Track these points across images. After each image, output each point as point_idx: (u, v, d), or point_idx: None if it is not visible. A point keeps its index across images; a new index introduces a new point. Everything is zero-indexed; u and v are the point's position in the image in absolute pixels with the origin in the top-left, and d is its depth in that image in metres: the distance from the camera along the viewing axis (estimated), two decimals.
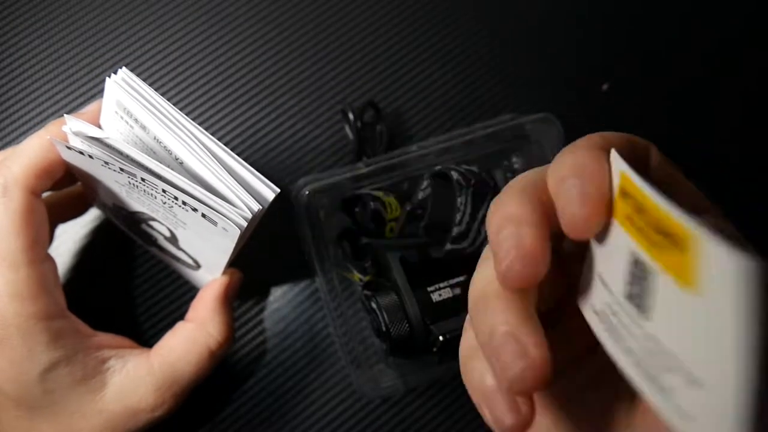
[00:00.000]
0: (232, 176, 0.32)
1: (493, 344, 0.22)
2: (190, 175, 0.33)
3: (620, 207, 0.21)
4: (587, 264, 0.24)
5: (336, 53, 0.50)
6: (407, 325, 0.39)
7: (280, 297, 0.46)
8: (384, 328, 0.40)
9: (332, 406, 0.44)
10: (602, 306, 0.22)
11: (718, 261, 0.16)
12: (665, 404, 0.19)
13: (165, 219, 0.36)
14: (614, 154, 0.22)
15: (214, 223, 0.32)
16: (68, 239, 0.45)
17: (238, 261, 0.40)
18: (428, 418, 0.45)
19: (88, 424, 0.36)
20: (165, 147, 0.33)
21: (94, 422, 0.36)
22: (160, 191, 0.32)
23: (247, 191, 0.32)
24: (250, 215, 0.32)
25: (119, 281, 0.46)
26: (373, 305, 0.40)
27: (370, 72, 0.50)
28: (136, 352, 0.38)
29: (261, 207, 0.32)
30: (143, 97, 0.33)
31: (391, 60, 0.51)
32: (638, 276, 0.20)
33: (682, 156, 0.49)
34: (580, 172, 0.22)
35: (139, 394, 0.36)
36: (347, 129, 0.48)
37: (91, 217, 0.46)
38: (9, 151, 0.36)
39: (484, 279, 0.25)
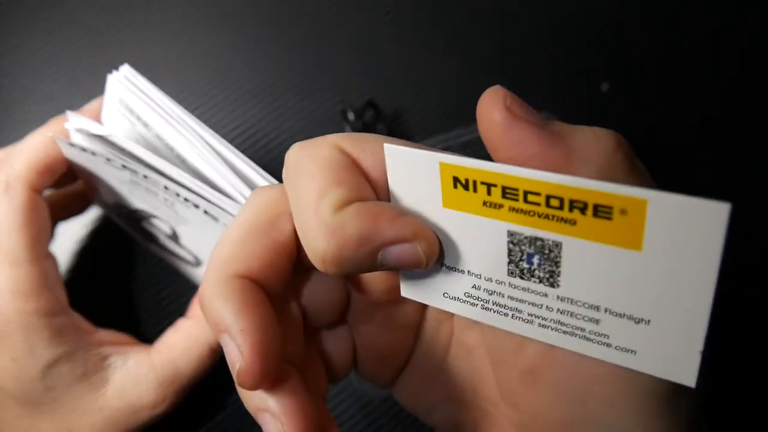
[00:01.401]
0: (233, 172, 0.32)
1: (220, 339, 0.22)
2: (192, 172, 0.33)
3: (464, 197, 0.21)
4: None
5: (336, 53, 0.50)
6: None
7: None
8: None
9: (332, 406, 0.44)
10: (468, 290, 0.23)
11: (671, 215, 0.17)
12: (596, 349, 0.21)
13: (166, 216, 0.36)
14: (394, 151, 0.21)
15: (216, 219, 0.32)
16: (69, 238, 0.45)
17: None
18: None
19: (89, 421, 0.36)
20: (167, 144, 0.33)
21: (95, 419, 0.36)
22: (162, 188, 0.32)
23: (248, 187, 0.32)
24: None
25: (120, 279, 0.46)
26: None
27: (370, 72, 0.50)
28: (137, 349, 0.38)
29: None
30: (145, 93, 0.33)
31: (391, 60, 0.51)
32: (527, 252, 0.21)
33: (682, 155, 0.49)
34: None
35: (140, 391, 0.36)
36: (347, 129, 0.48)
37: (92, 216, 0.46)
38: (11, 149, 0.36)
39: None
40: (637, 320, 0.20)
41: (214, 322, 0.22)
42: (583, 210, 0.19)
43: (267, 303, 0.22)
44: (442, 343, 0.28)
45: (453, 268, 0.23)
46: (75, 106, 0.47)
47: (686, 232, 0.17)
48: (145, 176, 0.32)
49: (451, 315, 0.27)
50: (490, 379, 0.26)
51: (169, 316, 0.45)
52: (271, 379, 0.21)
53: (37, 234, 0.35)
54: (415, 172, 0.21)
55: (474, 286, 0.23)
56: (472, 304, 0.23)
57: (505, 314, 0.22)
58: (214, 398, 0.44)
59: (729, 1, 0.53)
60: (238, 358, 0.21)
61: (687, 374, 0.20)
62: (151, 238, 0.41)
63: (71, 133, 0.33)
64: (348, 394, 0.45)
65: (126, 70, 0.33)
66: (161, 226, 0.38)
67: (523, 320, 0.22)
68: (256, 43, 0.50)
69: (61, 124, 0.34)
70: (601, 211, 0.18)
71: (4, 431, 0.36)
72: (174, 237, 0.38)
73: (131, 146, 0.32)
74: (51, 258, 0.36)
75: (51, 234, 0.37)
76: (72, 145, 0.32)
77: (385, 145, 0.21)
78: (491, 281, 0.22)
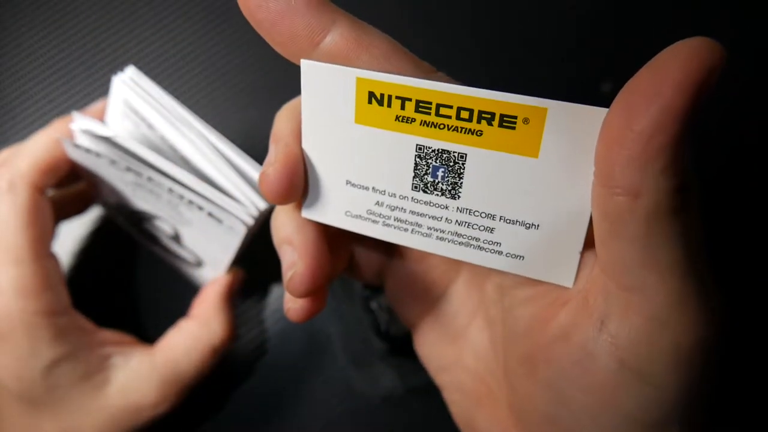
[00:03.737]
0: (238, 174, 0.32)
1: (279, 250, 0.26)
2: (196, 174, 0.33)
3: (377, 112, 0.22)
4: (316, 179, 0.25)
5: None
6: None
7: (280, 297, 0.46)
8: (384, 328, 0.40)
9: (332, 406, 0.44)
10: (371, 207, 0.24)
11: (565, 122, 0.20)
12: (488, 257, 0.23)
13: (169, 217, 0.36)
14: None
15: (220, 222, 0.32)
16: (70, 237, 0.45)
17: (238, 260, 0.40)
18: (428, 418, 0.45)
19: (91, 421, 0.36)
20: (171, 145, 0.33)
21: (96, 418, 0.36)
22: (166, 190, 0.32)
23: (253, 189, 0.32)
24: (257, 213, 0.32)
25: (122, 279, 0.46)
26: (373, 305, 0.40)
27: None
28: (139, 348, 0.38)
29: (268, 205, 0.32)
30: (150, 95, 0.33)
31: None
32: (432, 165, 0.22)
33: None
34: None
35: (142, 391, 0.36)
36: None
37: (94, 216, 0.46)
38: (15, 148, 0.36)
39: None
40: (527, 225, 0.22)
41: (279, 235, 0.26)
42: (490, 120, 0.20)
43: (323, 233, 0.26)
44: (469, 310, 0.29)
45: (357, 185, 0.24)
46: (74, 106, 0.48)
47: (576, 138, 0.20)
48: (150, 178, 0.32)
49: (482, 287, 0.29)
50: (500, 357, 0.27)
51: (171, 316, 0.45)
52: (314, 293, 0.25)
53: (40, 233, 0.35)
54: (330, 88, 0.22)
55: (377, 203, 0.24)
56: (374, 222, 0.24)
57: (405, 229, 0.24)
58: (214, 398, 0.44)
59: (730, 1, 0.53)
60: (293, 266, 0.25)
61: (566, 275, 0.22)
62: (153, 239, 0.41)
63: (76, 134, 0.33)
64: (348, 394, 0.45)
65: (131, 71, 0.33)
66: (163, 227, 0.38)
67: (422, 234, 0.23)
68: (256, 43, 0.50)
69: (66, 125, 0.34)
70: (506, 121, 0.20)
71: (5, 430, 0.36)
72: (176, 238, 0.38)
73: (137, 148, 0.32)
74: (53, 258, 0.36)
75: (53, 234, 0.37)
76: (77, 146, 0.32)
77: (302, 60, 0.22)
78: (395, 197, 0.23)
